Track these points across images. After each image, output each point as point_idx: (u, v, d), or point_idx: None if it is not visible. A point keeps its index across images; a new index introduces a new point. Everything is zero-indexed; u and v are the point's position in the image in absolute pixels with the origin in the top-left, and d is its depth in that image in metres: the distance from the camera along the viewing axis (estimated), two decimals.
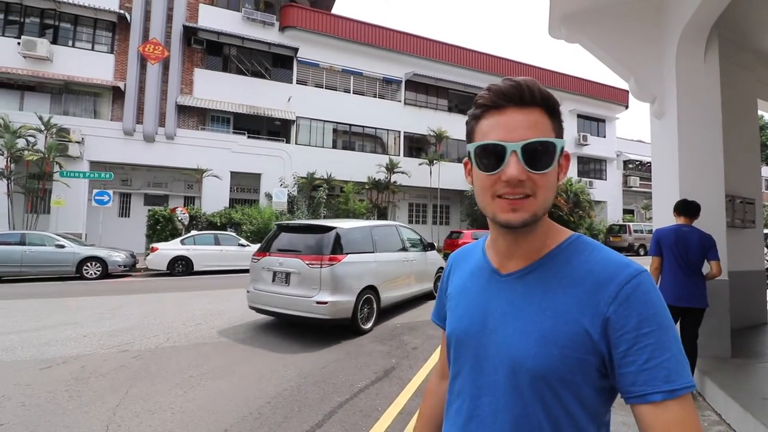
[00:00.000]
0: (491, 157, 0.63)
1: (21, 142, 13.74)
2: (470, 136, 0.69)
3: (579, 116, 26.70)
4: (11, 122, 13.71)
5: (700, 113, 3.99)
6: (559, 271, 0.67)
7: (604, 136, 27.77)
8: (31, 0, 15.40)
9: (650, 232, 20.57)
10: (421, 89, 22.56)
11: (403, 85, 21.87)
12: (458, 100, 23.99)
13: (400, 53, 21.43)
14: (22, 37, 15.00)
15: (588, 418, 0.64)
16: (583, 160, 27.11)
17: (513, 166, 0.61)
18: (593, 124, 27.53)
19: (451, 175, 21.09)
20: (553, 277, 0.67)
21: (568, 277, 0.65)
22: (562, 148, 0.65)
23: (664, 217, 3.90)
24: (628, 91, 27.58)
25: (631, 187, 28.30)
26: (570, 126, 26.37)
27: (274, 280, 5.28)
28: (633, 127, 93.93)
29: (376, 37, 20.94)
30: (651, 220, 26.53)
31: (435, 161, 20.23)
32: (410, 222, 22.82)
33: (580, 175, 26.18)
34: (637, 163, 30.69)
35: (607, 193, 26.84)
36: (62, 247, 10.56)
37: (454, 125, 22.00)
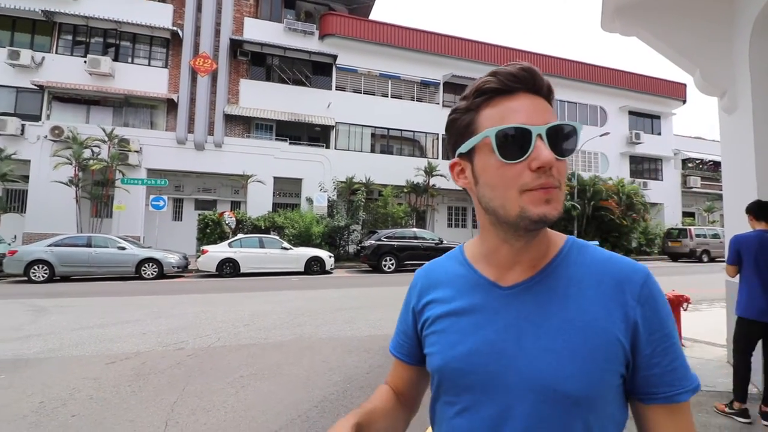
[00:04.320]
0: (515, 143, 0.55)
1: (87, 152, 14.97)
2: (469, 129, 0.61)
3: (631, 113, 25.27)
4: (79, 134, 14.98)
5: None
6: (572, 276, 0.60)
7: (659, 134, 26.06)
8: (96, 21, 16.77)
9: (714, 236, 19.02)
10: (459, 91, 22.23)
11: (441, 87, 21.70)
12: None
13: (437, 55, 21.28)
14: (88, 55, 16.38)
15: None
16: (636, 160, 25.56)
17: (545, 150, 0.54)
18: (647, 120, 25.93)
19: None
20: (567, 283, 0.60)
21: (584, 280, 0.60)
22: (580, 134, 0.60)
23: (738, 222, 3.55)
24: (685, 85, 26.12)
25: (692, 187, 26.28)
26: (621, 123, 24.99)
27: None
28: (692, 123, 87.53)
29: (413, 40, 20.94)
30: (714, 223, 24.63)
31: None
32: (449, 226, 22.51)
33: (632, 176, 24.70)
34: (697, 161, 28.47)
35: (664, 195, 25.11)
36: (123, 249, 11.35)
37: None
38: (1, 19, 16.27)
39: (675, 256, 19.71)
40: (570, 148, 0.58)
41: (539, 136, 0.55)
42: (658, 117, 26.14)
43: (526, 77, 0.58)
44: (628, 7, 4.12)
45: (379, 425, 0.69)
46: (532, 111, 0.57)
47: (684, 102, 26.45)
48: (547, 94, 0.60)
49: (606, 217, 20.11)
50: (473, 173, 0.62)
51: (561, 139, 0.57)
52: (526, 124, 0.55)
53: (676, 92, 26.19)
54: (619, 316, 0.57)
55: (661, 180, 25.71)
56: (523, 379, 0.57)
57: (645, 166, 25.91)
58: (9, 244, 12.24)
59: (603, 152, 24.39)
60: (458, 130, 0.63)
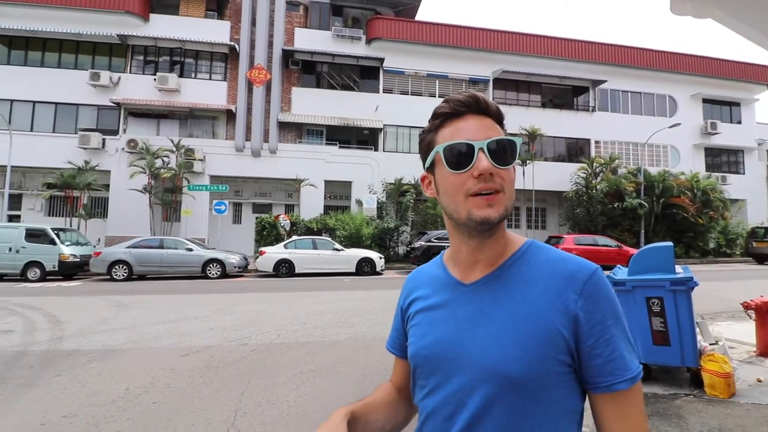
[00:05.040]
0: (461, 156, 0.66)
1: (158, 162, 16.33)
2: (430, 146, 0.72)
3: (705, 101, 23.09)
4: (151, 146, 16.40)
5: None
6: (523, 273, 0.68)
7: (740, 122, 23.56)
8: (163, 42, 18.29)
9: None
10: (510, 86, 21.56)
11: (490, 83, 21.15)
12: (553, 94, 22.43)
13: (486, 51, 20.79)
14: (157, 73, 17.90)
15: (570, 420, 0.65)
16: (712, 152, 23.27)
17: (484, 161, 0.64)
18: (724, 108, 23.54)
19: (547, 176, 19.75)
20: (518, 279, 0.68)
21: (533, 277, 0.67)
22: (519, 146, 0.69)
23: None
24: None
25: None
26: (694, 113, 22.85)
27: None
28: None
29: (460, 37, 20.62)
30: None
31: (528, 161, 19.11)
32: None
33: (708, 170, 22.43)
34: None
35: (747, 190, 22.60)
36: (191, 250, 12.23)
37: (549, 121, 20.61)
38: (84, 45, 18.27)
39: (761, 258, 17.62)
40: (511, 158, 0.67)
41: (481, 149, 0.65)
42: (737, 104, 23.62)
43: (470, 102, 0.68)
44: None
45: (376, 416, 0.78)
46: (477, 129, 0.67)
47: None
48: (495, 114, 0.70)
49: (678, 216, 18.46)
50: (435, 184, 0.73)
51: (503, 151, 0.66)
52: (470, 140, 0.66)
53: (758, 76, 23.51)
54: (560, 308, 0.63)
55: (743, 173, 23.19)
56: (475, 363, 0.65)
57: (723, 159, 23.51)
58: (94, 247, 13.65)
59: (673, 145, 22.45)
60: (423, 148, 0.74)
